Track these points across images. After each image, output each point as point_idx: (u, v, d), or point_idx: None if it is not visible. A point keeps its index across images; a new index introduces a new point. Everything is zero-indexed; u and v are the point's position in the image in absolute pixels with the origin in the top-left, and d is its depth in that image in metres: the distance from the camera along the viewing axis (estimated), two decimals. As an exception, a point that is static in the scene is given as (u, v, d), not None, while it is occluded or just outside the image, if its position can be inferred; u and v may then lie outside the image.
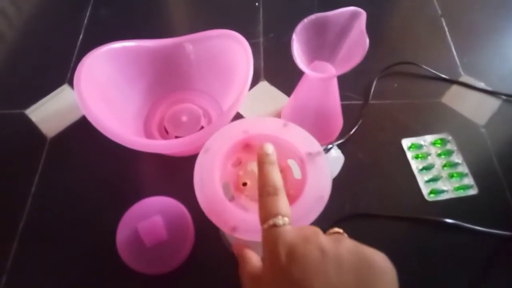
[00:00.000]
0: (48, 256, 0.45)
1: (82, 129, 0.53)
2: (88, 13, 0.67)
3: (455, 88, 0.57)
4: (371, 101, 0.56)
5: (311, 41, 0.43)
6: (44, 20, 0.67)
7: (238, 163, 0.35)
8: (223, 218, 0.29)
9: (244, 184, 0.34)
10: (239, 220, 0.29)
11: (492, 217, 0.47)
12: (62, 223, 0.47)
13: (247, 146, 0.36)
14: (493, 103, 0.56)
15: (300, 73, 0.43)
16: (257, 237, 0.27)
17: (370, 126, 0.54)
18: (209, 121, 0.53)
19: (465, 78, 0.58)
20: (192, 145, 0.40)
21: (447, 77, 0.58)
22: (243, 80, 0.42)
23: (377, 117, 0.55)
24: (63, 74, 0.59)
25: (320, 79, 0.43)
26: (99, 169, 0.51)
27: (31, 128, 0.54)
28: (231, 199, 0.32)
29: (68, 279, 0.44)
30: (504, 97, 0.56)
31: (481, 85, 0.57)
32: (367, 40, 0.40)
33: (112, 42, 0.47)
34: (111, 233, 0.44)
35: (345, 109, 0.52)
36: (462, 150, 0.52)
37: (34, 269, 0.44)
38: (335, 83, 0.46)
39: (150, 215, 0.44)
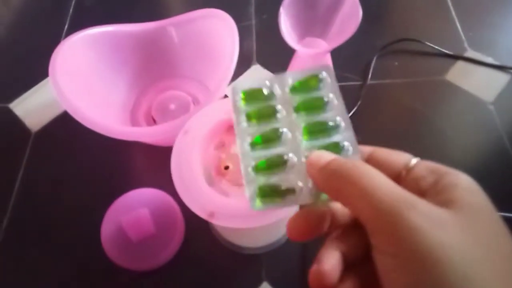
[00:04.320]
0: (32, 253, 0.43)
1: (67, 122, 0.51)
2: (73, 2, 0.64)
3: (460, 64, 0.54)
4: (370, 82, 0.52)
5: (301, 15, 0.40)
6: (28, 10, 0.65)
7: (221, 146, 0.32)
8: (200, 203, 0.27)
9: (226, 167, 0.31)
10: (218, 205, 0.26)
11: (502, 199, 0.43)
12: (47, 219, 0.45)
13: (231, 127, 0.33)
14: (502, 79, 0.52)
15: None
16: (237, 223, 0.25)
17: (369, 108, 0.50)
18: (199, 108, 0.50)
19: (471, 53, 0.54)
20: (176, 131, 0.37)
21: (451, 52, 0.54)
22: (229, 58, 0.39)
23: (376, 98, 0.51)
24: (47, 66, 0.57)
25: (312, 55, 0.40)
26: (86, 162, 0.49)
27: (15, 123, 0.52)
28: (211, 183, 0.30)
29: (53, 276, 0.42)
30: (513, 71, 0.52)
31: (489, 60, 0.53)
32: (361, 11, 0.37)
33: (89, 28, 0.45)
34: (98, 228, 0.42)
35: (342, 91, 0.48)
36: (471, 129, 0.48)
37: (18, 267, 0.42)
38: (328, 61, 0.43)
39: (136, 208, 0.42)
